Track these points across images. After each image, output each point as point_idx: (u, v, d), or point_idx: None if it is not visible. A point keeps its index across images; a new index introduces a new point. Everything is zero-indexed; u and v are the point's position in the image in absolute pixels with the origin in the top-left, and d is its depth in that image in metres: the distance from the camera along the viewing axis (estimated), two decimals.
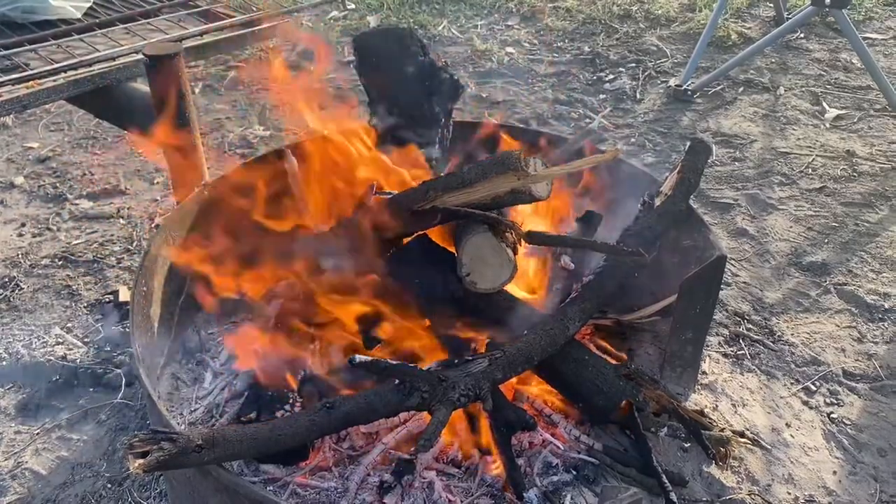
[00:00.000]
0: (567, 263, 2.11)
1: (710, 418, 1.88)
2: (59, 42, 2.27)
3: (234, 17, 2.47)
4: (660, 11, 4.70)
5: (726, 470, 1.86)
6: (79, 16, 2.45)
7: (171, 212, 2.00)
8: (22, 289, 2.56)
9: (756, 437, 1.96)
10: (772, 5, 4.53)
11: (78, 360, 2.25)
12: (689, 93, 3.77)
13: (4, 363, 2.25)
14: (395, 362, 1.41)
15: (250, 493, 1.33)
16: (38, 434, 2.05)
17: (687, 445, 1.86)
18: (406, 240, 1.87)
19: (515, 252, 1.70)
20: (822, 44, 4.31)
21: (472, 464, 1.72)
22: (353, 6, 4.92)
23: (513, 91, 3.95)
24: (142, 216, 2.95)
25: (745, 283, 2.59)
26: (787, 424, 2.04)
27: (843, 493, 1.85)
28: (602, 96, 3.88)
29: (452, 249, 1.82)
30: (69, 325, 2.40)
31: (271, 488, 1.66)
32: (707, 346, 2.24)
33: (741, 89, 3.89)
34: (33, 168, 3.28)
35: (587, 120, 3.66)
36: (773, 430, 2.01)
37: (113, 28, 2.40)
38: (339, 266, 1.88)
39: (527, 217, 2.02)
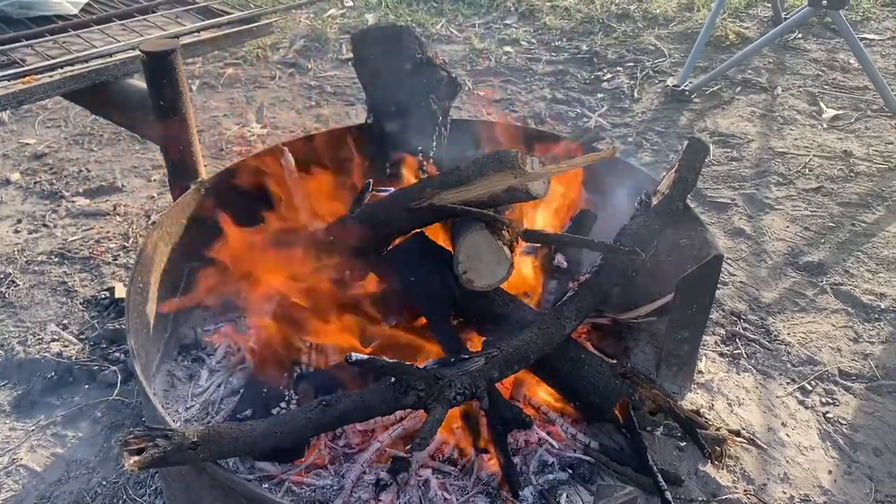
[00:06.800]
0: (560, 262, 2.11)
1: (705, 417, 1.88)
2: (56, 38, 2.27)
3: (231, 13, 2.46)
4: (658, 11, 4.70)
5: (722, 469, 1.86)
6: (76, 12, 2.44)
7: (167, 209, 2.00)
8: (18, 285, 2.55)
9: (752, 437, 1.97)
10: (769, 5, 4.53)
11: (73, 357, 2.25)
12: (687, 93, 3.77)
13: (0, 360, 2.24)
14: (391, 360, 1.41)
15: (246, 491, 1.33)
16: (32, 431, 2.04)
17: (683, 444, 1.86)
18: (403, 237, 1.87)
19: (512, 250, 1.70)
20: (820, 44, 4.31)
21: (468, 462, 1.72)
22: (350, 3, 4.92)
23: (510, 90, 3.94)
24: (138, 213, 2.95)
25: (741, 282, 2.59)
26: (782, 424, 2.04)
27: (838, 492, 1.86)
28: (600, 95, 3.88)
29: (449, 247, 1.82)
30: (65, 321, 2.40)
31: (267, 486, 1.66)
32: (703, 345, 2.24)
33: (739, 89, 3.89)
34: (29, 164, 3.27)
35: (585, 119, 3.66)
36: (768, 430, 2.02)
37: (110, 24, 2.40)
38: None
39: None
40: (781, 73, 4.03)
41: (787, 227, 2.88)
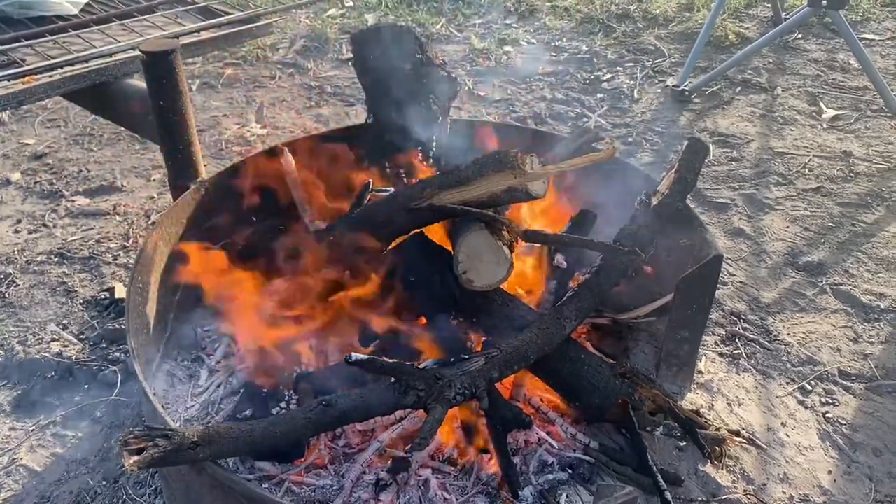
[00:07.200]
0: (560, 262, 2.11)
1: (705, 417, 1.88)
2: (56, 38, 2.27)
3: (231, 13, 2.46)
4: (658, 11, 4.70)
5: (722, 469, 1.86)
6: (76, 12, 2.44)
7: (167, 209, 2.00)
8: (17, 285, 2.55)
9: (752, 437, 1.97)
10: (769, 5, 4.53)
11: (73, 357, 2.25)
12: (687, 93, 3.77)
13: (0, 359, 2.25)
14: (391, 360, 1.41)
15: (245, 491, 1.33)
16: (32, 431, 2.04)
17: (682, 444, 1.86)
18: (403, 238, 1.87)
19: (512, 250, 1.70)
20: (820, 44, 4.31)
21: (467, 462, 1.72)
22: (351, 3, 4.92)
23: (510, 90, 3.95)
24: (138, 213, 2.95)
25: (741, 282, 2.59)
26: (782, 424, 2.04)
27: (838, 492, 1.86)
28: (600, 95, 3.88)
29: (449, 247, 1.82)
30: (65, 321, 2.40)
31: (266, 486, 1.66)
32: (703, 345, 2.24)
33: (739, 89, 3.89)
34: (29, 164, 3.27)
35: (585, 119, 3.66)
36: (768, 430, 2.02)
37: (110, 24, 2.40)
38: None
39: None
40: (781, 74, 4.03)
41: (787, 227, 2.88)
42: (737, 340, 2.33)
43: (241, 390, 1.89)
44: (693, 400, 2.06)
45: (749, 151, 3.38)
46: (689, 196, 2.00)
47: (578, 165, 1.72)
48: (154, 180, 3.16)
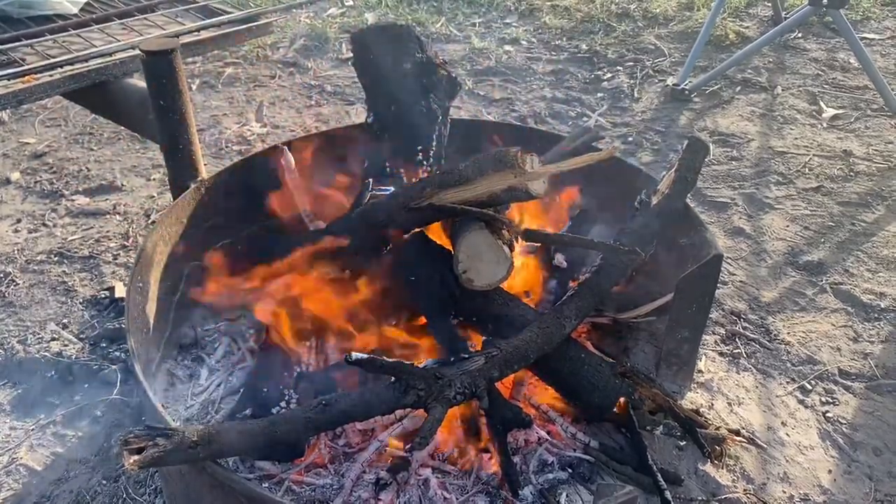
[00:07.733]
0: (560, 262, 2.11)
1: (705, 417, 1.88)
2: (56, 37, 2.27)
3: (231, 13, 2.46)
4: (658, 10, 4.70)
5: (722, 468, 1.86)
6: (75, 11, 2.45)
7: (167, 208, 2.00)
8: (17, 284, 2.55)
9: (752, 436, 1.97)
10: (770, 5, 4.53)
11: (73, 356, 2.25)
12: (687, 92, 3.77)
13: None
14: (391, 360, 1.41)
15: (245, 490, 1.33)
16: (32, 430, 2.04)
17: (682, 444, 1.86)
18: (403, 237, 1.87)
19: (512, 249, 1.70)
20: (820, 43, 4.31)
21: (467, 461, 1.72)
22: (351, 3, 4.92)
23: (510, 89, 3.94)
24: (138, 213, 2.95)
25: (741, 282, 2.59)
26: (782, 423, 2.04)
27: (838, 491, 1.86)
28: (600, 95, 3.88)
29: (449, 247, 1.82)
30: (65, 320, 2.40)
31: (266, 485, 1.66)
32: (703, 344, 2.24)
33: (739, 88, 3.89)
34: (29, 164, 3.27)
35: (585, 118, 3.66)
36: (768, 429, 2.02)
37: (109, 24, 2.40)
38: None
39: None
40: (781, 73, 4.03)
41: (787, 226, 2.88)
42: (737, 340, 2.33)
43: (241, 390, 1.89)
44: (693, 399, 2.06)
45: (749, 151, 3.38)
46: (689, 195, 2.00)
47: (578, 165, 1.71)
48: (154, 180, 3.16)
